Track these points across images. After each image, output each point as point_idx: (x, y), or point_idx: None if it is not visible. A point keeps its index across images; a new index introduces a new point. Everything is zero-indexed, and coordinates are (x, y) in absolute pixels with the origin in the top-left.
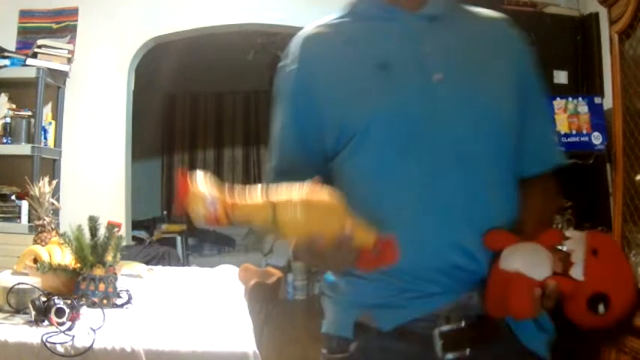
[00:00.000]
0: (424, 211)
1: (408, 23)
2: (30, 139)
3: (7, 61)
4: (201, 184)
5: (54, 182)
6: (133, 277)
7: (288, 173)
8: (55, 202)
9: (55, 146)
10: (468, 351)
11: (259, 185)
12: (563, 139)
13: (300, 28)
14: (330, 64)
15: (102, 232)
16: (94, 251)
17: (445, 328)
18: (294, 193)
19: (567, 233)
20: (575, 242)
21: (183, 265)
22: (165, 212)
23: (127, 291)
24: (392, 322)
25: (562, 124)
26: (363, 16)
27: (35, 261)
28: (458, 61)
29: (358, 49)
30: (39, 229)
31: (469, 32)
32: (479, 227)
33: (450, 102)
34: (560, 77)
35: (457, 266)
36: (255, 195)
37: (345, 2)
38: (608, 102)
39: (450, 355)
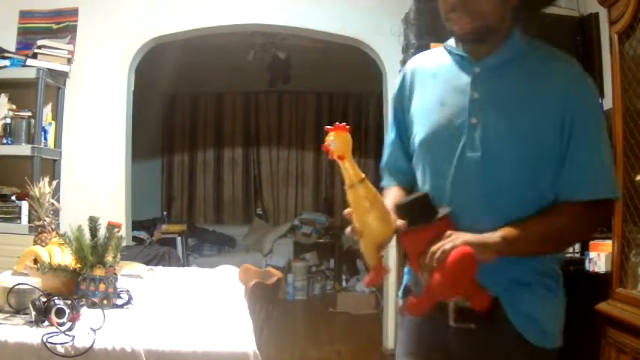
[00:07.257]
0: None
1: (469, 71)
2: (30, 139)
3: (7, 62)
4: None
5: (54, 183)
6: (133, 277)
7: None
8: (55, 203)
9: (55, 147)
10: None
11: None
12: None
13: (300, 29)
14: (419, 90)
15: (102, 232)
16: (94, 252)
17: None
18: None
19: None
20: None
21: (183, 265)
22: (165, 212)
23: (127, 291)
24: None
25: None
26: (447, 57)
27: (35, 261)
28: (495, 107)
29: (435, 84)
30: (39, 229)
31: (518, 80)
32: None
33: (477, 138)
34: None
35: None
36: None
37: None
38: (608, 102)
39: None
